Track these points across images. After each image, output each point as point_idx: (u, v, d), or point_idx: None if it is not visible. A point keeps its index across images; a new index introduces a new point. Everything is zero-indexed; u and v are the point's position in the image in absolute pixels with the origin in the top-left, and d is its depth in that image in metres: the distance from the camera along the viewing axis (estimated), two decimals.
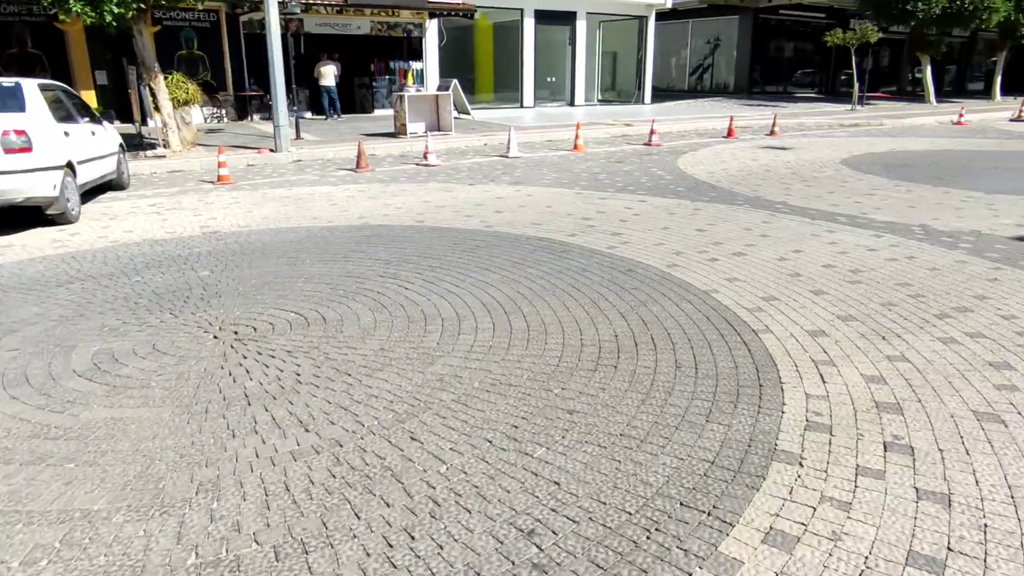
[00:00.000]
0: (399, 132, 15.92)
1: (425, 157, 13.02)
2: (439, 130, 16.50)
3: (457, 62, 23.26)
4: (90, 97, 16.42)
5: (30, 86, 7.90)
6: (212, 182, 11.00)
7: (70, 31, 16.34)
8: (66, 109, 8.57)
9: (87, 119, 9.06)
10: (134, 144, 13.45)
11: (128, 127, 15.56)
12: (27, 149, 7.22)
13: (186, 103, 13.62)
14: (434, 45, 22.42)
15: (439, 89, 17.84)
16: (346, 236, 7.46)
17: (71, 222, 7.96)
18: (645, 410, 3.67)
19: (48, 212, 7.63)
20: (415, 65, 22.20)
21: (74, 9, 10.46)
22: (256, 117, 19.65)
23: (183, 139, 13.30)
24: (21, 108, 7.53)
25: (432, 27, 22.21)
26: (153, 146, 13.48)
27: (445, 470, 3.11)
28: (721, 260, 6.54)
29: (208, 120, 18.75)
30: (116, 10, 10.77)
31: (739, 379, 4.04)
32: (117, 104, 16.05)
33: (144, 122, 15.92)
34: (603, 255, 6.70)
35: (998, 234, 7.52)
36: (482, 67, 25.75)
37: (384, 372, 4.14)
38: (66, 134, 8.04)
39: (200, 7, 16.59)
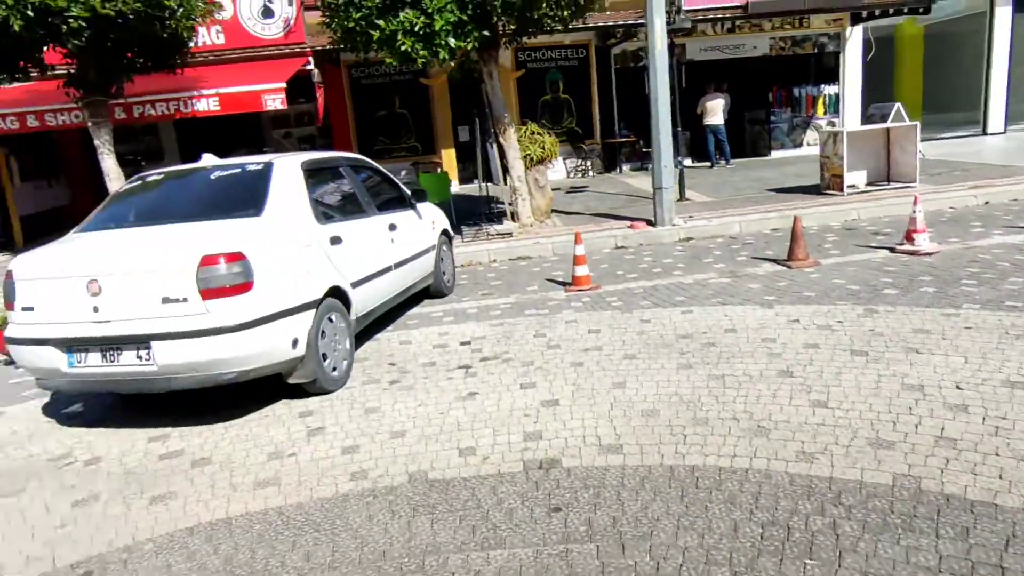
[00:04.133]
0: (829, 186, 10.39)
1: (910, 238, 7.05)
2: (891, 181, 10.47)
3: (875, 81, 16.49)
4: (449, 157, 15.31)
5: (285, 170, 4.75)
6: (565, 284, 6.90)
7: (434, 86, 15.03)
8: (347, 198, 5.39)
9: (392, 206, 5.91)
10: (478, 215, 10.61)
11: (473, 188, 12.78)
12: (243, 287, 3.86)
13: (541, 161, 10.00)
14: (856, 61, 16.29)
15: (871, 119, 10.77)
16: None
17: (328, 390, 4.50)
18: None
19: (290, 380, 4.27)
20: (828, 90, 16.62)
21: (403, 47, 7.97)
22: (626, 167, 15.96)
23: (535, 208, 9.90)
24: (256, 209, 4.25)
25: (855, 36, 16.16)
26: (500, 217, 10.12)
27: None
28: None
29: (571, 174, 15.58)
30: (453, 43, 7.97)
31: None
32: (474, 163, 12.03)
33: (489, 179, 11.58)
34: None
35: None
36: (906, 85, 17.49)
37: None
38: (335, 241, 4.77)
39: (567, 41, 14.52)
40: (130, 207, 4.88)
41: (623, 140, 16.14)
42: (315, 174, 5.11)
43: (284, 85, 10.77)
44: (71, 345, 4.00)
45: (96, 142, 9.30)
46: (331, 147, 13.91)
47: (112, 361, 3.95)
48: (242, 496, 3.36)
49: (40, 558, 3.01)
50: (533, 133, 10.30)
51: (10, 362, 4.64)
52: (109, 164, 9.36)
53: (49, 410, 4.81)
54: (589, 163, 15.92)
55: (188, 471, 3.68)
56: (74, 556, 3.00)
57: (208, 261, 3.86)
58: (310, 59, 12.50)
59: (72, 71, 9.01)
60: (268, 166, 4.75)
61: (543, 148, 10.20)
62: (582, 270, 6.80)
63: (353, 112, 15.15)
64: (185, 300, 3.85)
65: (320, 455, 3.72)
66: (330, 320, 4.63)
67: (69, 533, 3.19)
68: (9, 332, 4.18)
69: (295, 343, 4.22)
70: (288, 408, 4.41)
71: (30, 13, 7.40)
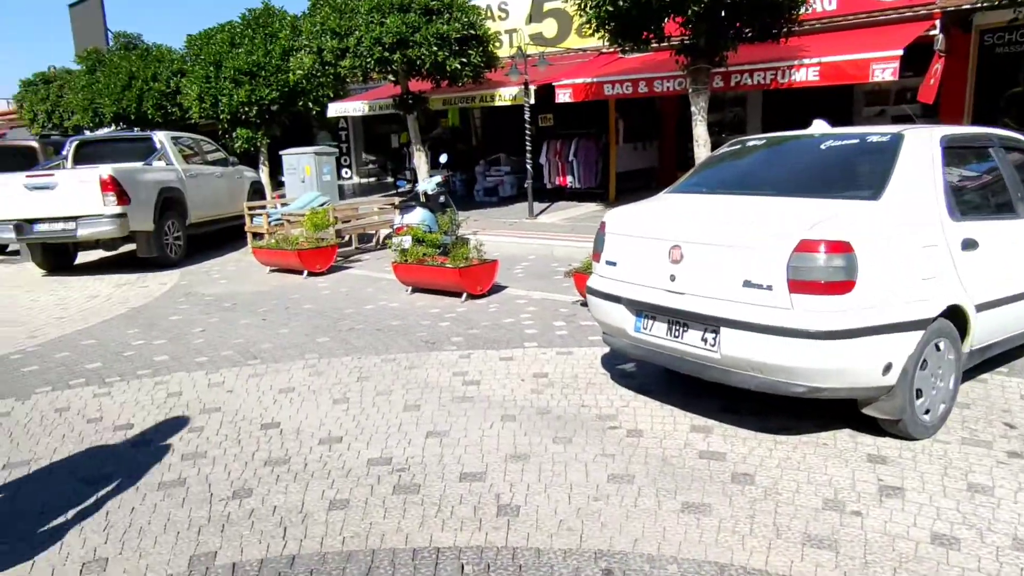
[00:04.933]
0: None
1: None
2: None
3: None
4: None
5: (919, 146, 3.74)
6: None
7: None
8: (992, 189, 4.12)
9: None
10: None
11: None
12: (842, 286, 3.15)
13: None
14: None
15: None
16: None
17: (912, 437, 3.49)
18: None
19: (864, 410, 3.48)
20: None
21: None
22: None
23: None
24: (874, 191, 3.50)
25: None
26: None
27: None
28: None
29: None
30: None
31: None
32: None
33: None
34: None
35: None
36: None
37: None
38: (968, 245, 3.66)
39: None
40: (725, 172, 4.48)
41: None
42: (956, 154, 3.89)
43: (900, 53, 9.27)
44: (641, 310, 3.83)
45: (692, 108, 9.52)
46: None
47: (676, 337, 3.64)
48: (787, 548, 2.66)
49: (571, 529, 2.85)
50: None
51: (584, 304, 4.85)
52: (700, 130, 9.51)
53: (606, 361, 4.91)
54: None
55: (727, 484, 3.15)
56: (598, 541, 2.76)
57: (806, 247, 3.16)
58: (936, 23, 10.55)
59: (685, 40, 9.31)
60: (896, 139, 3.74)
61: None
62: None
63: (974, 87, 12.44)
64: (768, 288, 3.24)
65: (898, 530, 2.75)
66: (936, 348, 3.49)
67: (599, 510, 2.98)
68: (591, 282, 4.27)
69: (887, 369, 3.25)
70: (853, 442, 3.51)
71: None
